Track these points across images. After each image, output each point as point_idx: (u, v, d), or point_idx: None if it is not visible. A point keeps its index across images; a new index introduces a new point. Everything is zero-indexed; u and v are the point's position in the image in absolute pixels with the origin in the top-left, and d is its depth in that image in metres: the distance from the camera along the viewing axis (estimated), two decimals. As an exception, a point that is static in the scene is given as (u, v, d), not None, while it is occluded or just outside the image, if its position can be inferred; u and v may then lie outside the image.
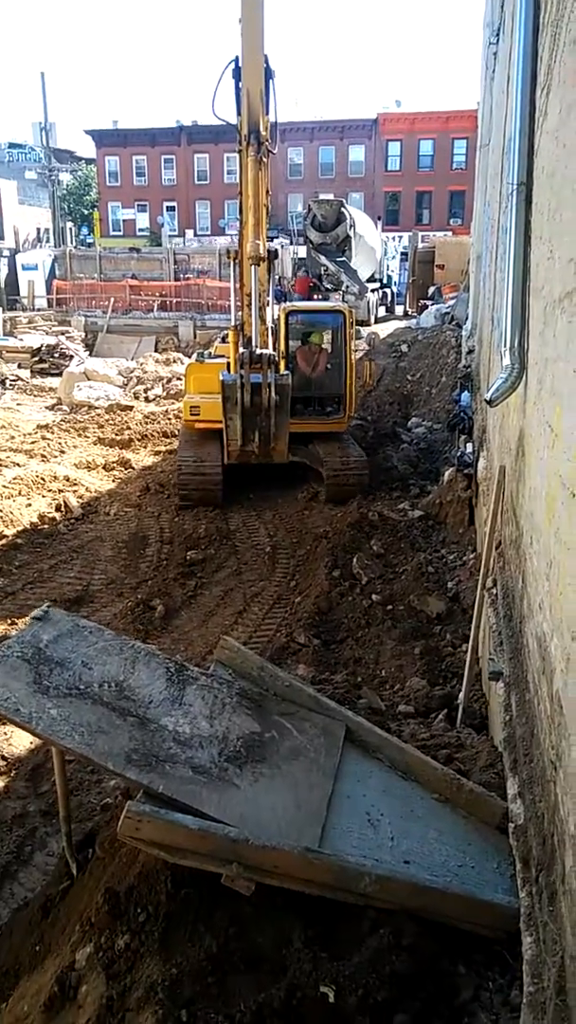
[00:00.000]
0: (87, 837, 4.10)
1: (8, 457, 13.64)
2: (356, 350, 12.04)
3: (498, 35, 8.97)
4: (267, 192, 5.99)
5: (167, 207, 53.95)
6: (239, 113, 6.68)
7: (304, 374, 10.90)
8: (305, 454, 10.83)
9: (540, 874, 2.60)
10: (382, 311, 29.73)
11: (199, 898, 2.91)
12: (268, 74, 6.38)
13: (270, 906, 2.89)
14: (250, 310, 5.95)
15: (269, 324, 6.08)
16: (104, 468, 13.15)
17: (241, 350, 5.80)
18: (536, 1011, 2.24)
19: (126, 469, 13.15)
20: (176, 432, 14.20)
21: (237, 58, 6.56)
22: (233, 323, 10.46)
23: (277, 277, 31.56)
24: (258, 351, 5.28)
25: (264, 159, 5.85)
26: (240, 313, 10.73)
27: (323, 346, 11.24)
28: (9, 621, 7.74)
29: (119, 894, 2.99)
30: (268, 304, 10.32)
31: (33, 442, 14.95)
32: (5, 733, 6.01)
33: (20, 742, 5.88)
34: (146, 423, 16.29)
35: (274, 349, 6.20)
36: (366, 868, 2.87)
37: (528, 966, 2.41)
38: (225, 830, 2.84)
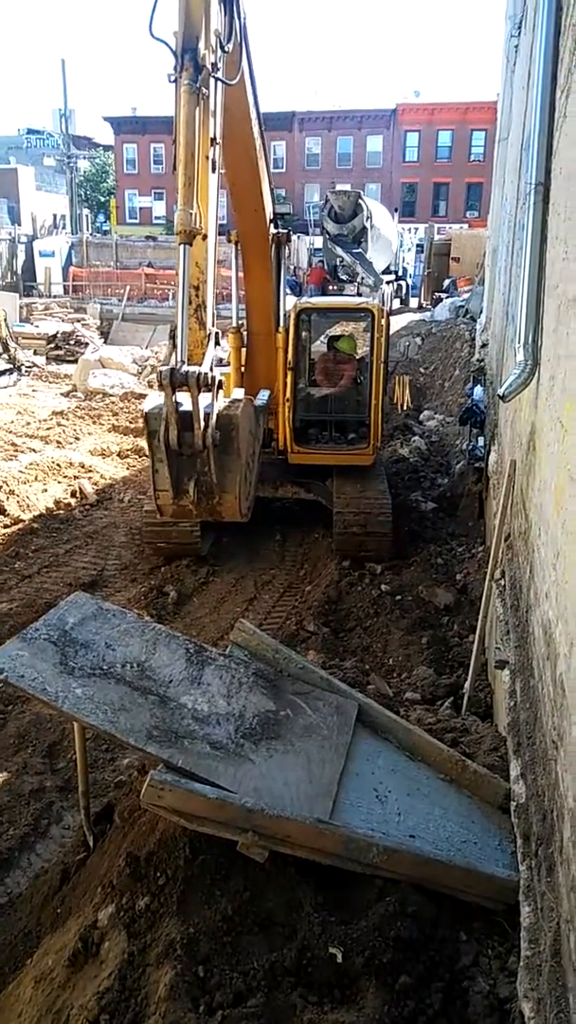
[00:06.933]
0: (103, 811, 4.27)
1: (24, 443, 13.84)
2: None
3: (520, 28, 8.97)
4: (214, 140, 4.15)
5: (183, 195, 53.87)
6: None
7: (324, 390, 9.24)
8: (320, 492, 9.05)
9: (539, 848, 2.74)
10: (396, 303, 29.70)
11: (215, 864, 3.08)
12: None
13: (283, 873, 3.06)
14: (194, 307, 4.09)
15: (212, 328, 4.14)
16: (118, 455, 13.33)
17: (160, 368, 3.84)
18: (532, 972, 2.38)
19: (140, 457, 13.31)
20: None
21: None
22: (235, 322, 9.02)
23: (292, 267, 31.62)
24: (183, 368, 3.73)
25: (204, 90, 4.03)
26: (242, 308, 8.79)
27: (348, 354, 9.52)
28: (25, 603, 7.92)
29: (139, 859, 3.16)
30: (284, 295, 8.76)
31: (48, 428, 15.13)
32: (22, 711, 6.19)
33: (38, 720, 6.06)
34: (160, 411, 16.45)
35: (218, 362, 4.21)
36: (374, 840, 3.03)
37: (526, 932, 2.55)
38: (242, 800, 3.00)
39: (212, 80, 4.11)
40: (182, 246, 3.97)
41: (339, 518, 8.49)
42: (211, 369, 3.89)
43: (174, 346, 4.01)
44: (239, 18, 4.65)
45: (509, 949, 2.89)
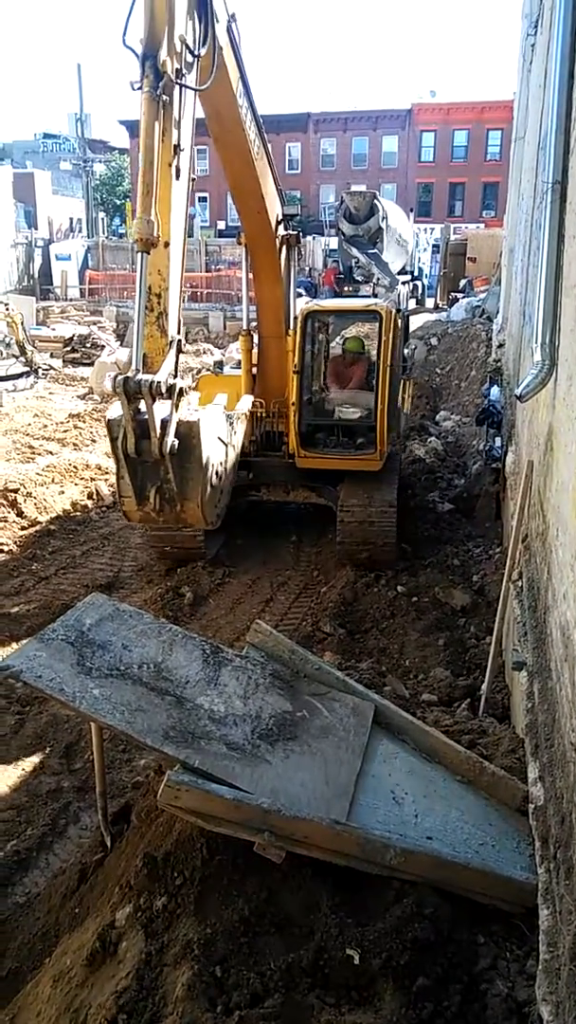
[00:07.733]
0: (121, 811, 4.29)
1: (41, 445, 13.95)
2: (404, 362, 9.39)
3: (536, 27, 8.92)
4: (176, 149, 4.11)
5: (199, 198, 54.06)
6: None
7: (335, 393, 9.08)
8: (330, 496, 8.84)
9: (558, 851, 2.72)
10: (412, 304, 29.62)
11: (232, 865, 3.09)
12: None
13: (299, 874, 3.06)
14: (156, 314, 4.04)
15: (176, 335, 4.14)
16: (135, 457, 13.36)
17: (117, 375, 3.85)
18: (551, 976, 2.37)
19: (156, 459, 13.35)
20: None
21: None
22: (246, 325, 9.02)
23: (308, 269, 31.65)
24: (137, 376, 3.69)
25: (166, 97, 3.96)
26: (254, 310, 8.71)
27: (356, 354, 9.41)
28: (43, 604, 7.98)
29: (157, 859, 3.17)
30: (294, 297, 8.53)
31: (65, 431, 15.23)
32: (40, 712, 6.23)
33: (55, 721, 6.10)
34: (176, 413, 16.48)
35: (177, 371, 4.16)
36: (391, 841, 3.02)
37: (544, 935, 2.54)
38: (258, 800, 3.01)
39: (177, 87, 4.03)
40: (140, 254, 3.93)
41: (341, 532, 8.42)
42: (172, 377, 3.84)
43: (131, 347, 4.01)
44: (215, 21, 4.53)
45: (528, 952, 2.87)
